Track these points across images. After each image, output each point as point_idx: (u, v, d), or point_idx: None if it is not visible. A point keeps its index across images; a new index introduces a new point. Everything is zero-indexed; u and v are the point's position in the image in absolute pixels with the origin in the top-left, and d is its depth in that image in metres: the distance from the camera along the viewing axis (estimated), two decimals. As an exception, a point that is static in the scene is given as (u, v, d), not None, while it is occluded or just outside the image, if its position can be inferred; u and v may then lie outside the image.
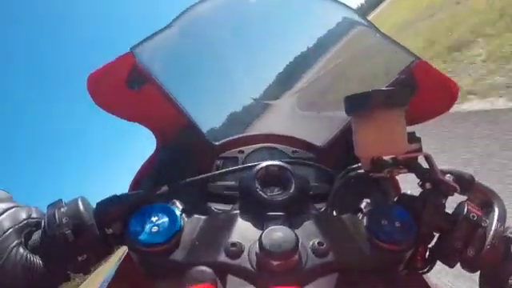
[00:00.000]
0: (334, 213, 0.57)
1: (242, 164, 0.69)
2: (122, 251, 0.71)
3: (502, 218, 0.52)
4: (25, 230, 0.50)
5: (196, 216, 0.53)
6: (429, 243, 0.53)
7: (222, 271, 0.46)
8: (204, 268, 0.45)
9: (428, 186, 0.54)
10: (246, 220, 0.52)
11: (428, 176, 0.54)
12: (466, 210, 0.52)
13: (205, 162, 0.75)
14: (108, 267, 0.79)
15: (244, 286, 0.46)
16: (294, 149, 0.77)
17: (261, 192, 0.54)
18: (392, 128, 0.49)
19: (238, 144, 0.78)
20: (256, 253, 0.46)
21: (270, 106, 0.87)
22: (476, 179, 0.56)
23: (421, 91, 0.68)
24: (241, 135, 0.81)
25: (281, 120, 0.89)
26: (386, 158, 0.51)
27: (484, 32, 6.23)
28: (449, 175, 0.54)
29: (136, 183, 0.74)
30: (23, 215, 0.52)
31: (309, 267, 0.46)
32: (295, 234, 0.46)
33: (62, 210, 0.51)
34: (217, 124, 0.85)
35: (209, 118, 0.84)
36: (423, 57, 0.66)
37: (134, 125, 0.79)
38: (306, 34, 0.92)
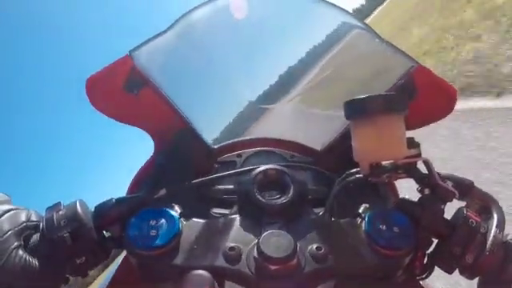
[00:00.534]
0: (333, 217, 0.56)
1: (240, 168, 0.69)
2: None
3: (501, 224, 0.52)
4: (24, 232, 0.50)
5: (194, 220, 0.53)
6: (427, 249, 0.53)
7: (220, 275, 0.46)
8: (202, 272, 0.45)
9: (427, 191, 0.54)
10: (245, 224, 0.52)
11: (427, 181, 0.54)
12: (464, 215, 0.51)
13: (203, 166, 0.75)
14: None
15: None
16: (293, 153, 0.77)
17: (259, 196, 0.54)
18: (391, 133, 0.49)
19: (236, 148, 0.78)
20: (254, 257, 0.46)
21: (268, 110, 0.87)
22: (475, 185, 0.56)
23: (420, 96, 0.68)
24: (239, 139, 0.81)
25: (279, 124, 0.89)
26: (384, 162, 0.51)
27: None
28: (447, 181, 0.54)
29: (134, 186, 0.74)
30: (22, 218, 0.51)
31: (307, 272, 0.46)
32: (293, 239, 0.46)
33: (61, 212, 0.51)
34: (215, 128, 0.85)
35: (207, 121, 0.84)
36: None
37: (133, 128, 0.79)
38: (305, 39, 0.92)
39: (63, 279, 0.51)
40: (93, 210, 0.53)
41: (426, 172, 0.53)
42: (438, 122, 0.73)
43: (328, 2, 0.77)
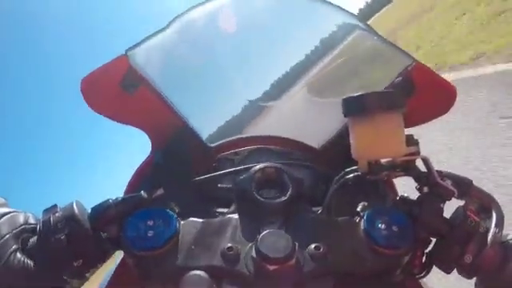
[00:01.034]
0: (331, 216, 0.56)
1: (238, 166, 0.68)
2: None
3: (500, 224, 0.52)
4: (22, 235, 0.50)
5: (192, 219, 0.52)
6: (426, 248, 0.53)
7: (218, 276, 0.46)
8: (200, 272, 0.45)
9: (426, 189, 0.53)
10: (243, 223, 0.51)
11: (426, 179, 0.53)
12: (463, 214, 0.51)
13: (201, 165, 0.74)
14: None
15: None
16: (291, 151, 0.77)
17: (257, 194, 0.54)
18: (390, 131, 0.49)
19: (234, 146, 0.78)
20: (252, 257, 0.45)
21: (266, 108, 0.86)
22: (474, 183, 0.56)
23: (418, 93, 0.68)
24: (237, 137, 0.81)
25: (278, 122, 0.89)
26: (383, 160, 0.50)
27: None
28: (447, 179, 0.54)
29: (131, 187, 0.74)
30: (20, 221, 0.52)
31: (306, 272, 0.46)
32: (292, 239, 0.46)
33: (57, 214, 0.50)
34: (213, 126, 0.85)
35: (204, 120, 0.83)
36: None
37: (129, 127, 0.78)
38: (303, 37, 0.92)
39: (62, 282, 0.51)
40: (90, 211, 0.53)
41: (425, 170, 0.53)
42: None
43: (326, 0, 0.77)
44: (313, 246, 0.48)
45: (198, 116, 0.79)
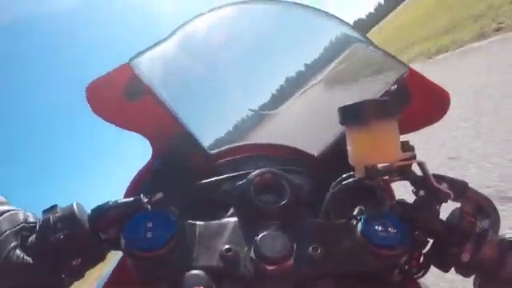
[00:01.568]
0: (329, 219, 0.57)
1: (238, 172, 0.69)
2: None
3: (496, 224, 0.53)
4: (21, 233, 0.51)
5: (191, 222, 0.53)
6: (423, 248, 0.54)
7: (217, 277, 0.46)
8: (199, 273, 0.46)
9: (422, 193, 0.55)
10: (241, 226, 0.52)
11: (422, 183, 0.55)
12: (460, 216, 0.52)
13: (200, 171, 0.75)
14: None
15: None
16: (290, 158, 0.78)
17: (256, 199, 0.54)
18: (385, 138, 0.50)
19: (233, 153, 0.79)
20: (251, 258, 0.46)
21: (266, 117, 0.87)
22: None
23: (413, 101, 0.69)
24: (236, 144, 0.82)
25: (277, 130, 0.90)
26: (379, 166, 0.52)
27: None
28: (442, 182, 0.55)
29: (131, 190, 0.74)
30: (20, 219, 0.52)
31: (304, 272, 0.47)
32: (289, 239, 0.47)
33: (57, 215, 0.51)
34: (213, 134, 0.86)
35: (205, 127, 0.84)
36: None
37: (131, 133, 0.80)
38: (302, 48, 0.94)
39: (60, 280, 0.51)
40: (89, 212, 0.54)
41: (421, 174, 0.54)
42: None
43: (320, 10, 0.79)
44: (311, 247, 0.49)
45: (200, 124, 0.80)
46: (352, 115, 0.50)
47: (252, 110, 0.86)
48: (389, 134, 0.50)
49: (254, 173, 0.57)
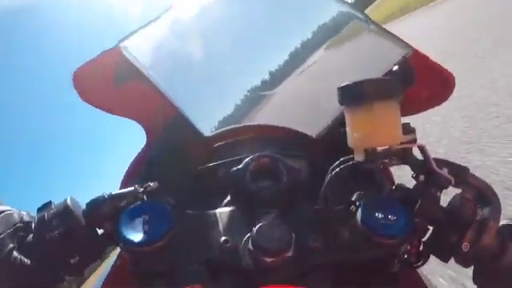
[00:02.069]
0: (327, 206, 0.56)
1: (234, 156, 0.68)
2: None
3: (497, 212, 0.51)
4: (17, 233, 0.50)
5: (188, 212, 0.52)
6: (423, 237, 0.53)
7: (215, 269, 0.46)
8: (197, 266, 0.45)
9: (422, 177, 0.53)
10: (239, 215, 0.51)
11: (422, 168, 0.53)
12: (460, 203, 0.51)
13: (196, 155, 0.74)
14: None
15: (238, 283, 0.45)
16: (287, 140, 0.77)
17: (252, 185, 0.53)
18: (387, 119, 0.48)
19: (229, 135, 0.77)
20: (249, 249, 0.45)
21: (262, 98, 0.85)
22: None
23: (417, 81, 0.67)
24: (233, 126, 0.80)
25: (274, 111, 0.88)
26: (379, 149, 0.50)
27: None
28: (443, 167, 0.53)
29: (127, 180, 0.73)
30: (15, 219, 0.52)
31: (303, 263, 0.46)
32: (288, 230, 0.45)
33: (52, 212, 0.50)
34: (208, 116, 0.84)
35: (200, 110, 0.83)
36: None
37: (123, 119, 0.78)
38: (300, 27, 0.91)
39: (59, 279, 0.51)
40: (84, 206, 0.53)
41: (422, 158, 0.53)
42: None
43: None
44: (310, 237, 0.48)
45: (193, 106, 0.79)
46: (352, 95, 0.48)
47: (248, 91, 0.84)
48: (390, 115, 0.48)
49: (250, 157, 0.56)
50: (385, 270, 0.51)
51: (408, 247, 0.51)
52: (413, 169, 0.54)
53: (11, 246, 0.48)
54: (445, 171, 0.52)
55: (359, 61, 0.84)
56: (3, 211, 0.52)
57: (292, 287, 0.45)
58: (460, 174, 0.53)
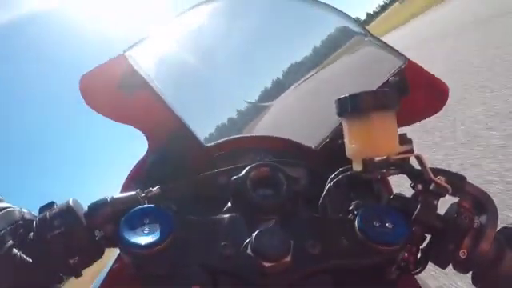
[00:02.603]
0: (326, 214, 0.57)
1: (234, 165, 0.69)
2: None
3: (494, 219, 0.52)
4: (18, 231, 0.50)
5: (188, 217, 0.52)
6: (421, 244, 0.53)
7: (214, 273, 0.46)
8: (196, 270, 0.45)
9: (420, 187, 0.54)
10: (238, 222, 0.52)
11: (420, 177, 0.54)
12: (457, 211, 0.51)
13: (196, 164, 0.75)
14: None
15: None
16: (287, 150, 0.77)
17: (253, 193, 0.54)
18: (383, 130, 0.49)
19: (230, 146, 0.78)
20: (248, 255, 0.46)
21: (262, 109, 0.86)
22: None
23: (412, 92, 0.68)
24: (233, 137, 0.81)
25: (274, 122, 0.89)
26: (377, 159, 0.51)
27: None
28: (440, 176, 0.54)
29: (128, 185, 0.74)
30: (16, 217, 0.52)
31: (301, 269, 0.46)
32: (287, 236, 0.46)
33: (54, 212, 0.51)
34: (209, 126, 0.85)
35: (201, 120, 0.84)
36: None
37: (126, 126, 0.78)
38: (299, 39, 0.92)
39: (57, 278, 0.51)
40: (86, 208, 0.53)
41: (419, 168, 0.53)
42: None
43: (318, 0, 0.77)
44: (308, 243, 0.48)
45: (195, 116, 0.80)
46: (349, 106, 0.49)
47: (249, 102, 0.85)
48: (387, 126, 0.49)
49: (250, 166, 0.57)
50: (383, 276, 0.51)
51: (406, 254, 0.52)
52: (410, 178, 0.55)
53: (11, 242, 0.48)
54: (442, 180, 0.53)
55: (356, 72, 0.85)
56: (4, 208, 0.52)
57: None
58: (457, 183, 0.54)
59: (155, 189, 0.57)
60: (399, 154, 0.51)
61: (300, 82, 0.85)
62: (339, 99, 0.50)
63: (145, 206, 0.52)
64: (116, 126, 0.78)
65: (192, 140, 0.76)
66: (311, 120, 0.89)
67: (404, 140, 0.51)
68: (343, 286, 0.48)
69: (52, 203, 0.53)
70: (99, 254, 0.53)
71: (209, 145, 0.78)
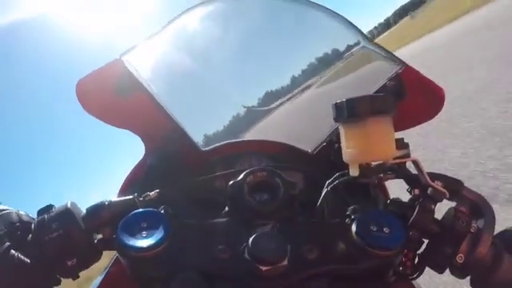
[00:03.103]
0: (323, 219, 0.56)
1: (231, 169, 0.69)
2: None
3: (491, 224, 0.52)
4: (15, 233, 0.51)
5: (185, 221, 0.53)
6: (418, 249, 0.53)
7: (211, 277, 0.46)
8: (193, 274, 0.45)
9: (417, 191, 0.54)
10: (235, 226, 0.52)
11: (417, 182, 0.54)
12: (454, 215, 0.52)
13: (193, 168, 0.75)
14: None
15: None
16: (284, 155, 0.77)
17: (250, 198, 0.54)
18: (380, 134, 0.49)
19: (227, 150, 0.78)
20: (245, 259, 0.46)
21: (259, 114, 0.86)
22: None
23: (409, 97, 0.69)
24: (230, 141, 0.81)
25: (271, 127, 0.89)
26: (374, 164, 0.51)
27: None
28: (437, 181, 0.54)
29: (125, 189, 0.74)
30: (14, 219, 0.52)
31: (298, 273, 0.46)
32: (284, 240, 0.46)
33: (52, 214, 0.51)
34: (206, 131, 0.85)
35: (198, 124, 0.83)
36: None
37: (123, 131, 0.78)
38: (297, 44, 0.92)
39: (54, 280, 0.51)
40: (84, 211, 0.54)
41: (416, 172, 0.53)
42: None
43: (315, 3, 0.78)
44: (305, 247, 0.48)
45: (192, 120, 0.79)
46: (346, 111, 0.49)
47: (245, 107, 0.85)
48: (384, 130, 0.49)
49: (247, 171, 0.57)
50: (380, 281, 0.51)
51: (403, 259, 0.52)
52: (407, 183, 0.55)
53: (8, 244, 0.49)
54: (439, 185, 0.53)
55: (353, 77, 0.85)
56: (1, 210, 0.52)
57: None
58: (454, 187, 0.54)
59: (153, 193, 0.58)
60: (396, 158, 0.51)
61: (297, 86, 0.85)
62: (336, 104, 0.50)
63: (143, 209, 0.52)
64: (113, 131, 0.78)
65: (189, 144, 0.76)
66: (308, 124, 0.89)
67: (401, 144, 0.51)
68: None
69: (50, 206, 0.53)
70: (97, 257, 0.54)
71: (205, 149, 0.78)
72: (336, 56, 0.84)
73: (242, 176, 0.56)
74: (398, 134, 0.52)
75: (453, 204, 0.55)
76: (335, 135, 0.69)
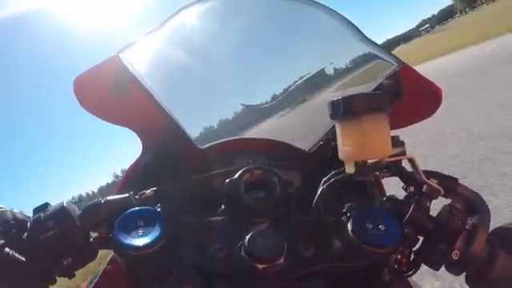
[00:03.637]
0: (319, 217, 0.57)
1: (228, 168, 0.69)
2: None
3: (486, 221, 0.53)
4: (10, 231, 0.50)
5: (182, 220, 0.53)
6: (413, 246, 0.54)
7: (207, 275, 0.46)
8: (189, 272, 0.45)
9: (412, 189, 0.54)
10: (232, 224, 0.52)
11: (412, 179, 0.54)
12: (450, 212, 0.52)
13: (190, 166, 0.75)
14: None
15: None
16: (280, 153, 0.77)
17: (246, 196, 0.54)
18: (376, 132, 0.49)
19: (224, 148, 0.78)
20: (241, 257, 0.46)
21: (256, 112, 0.86)
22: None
23: (406, 96, 0.69)
24: (227, 139, 0.81)
25: (268, 125, 0.89)
26: (370, 161, 0.51)
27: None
28: (432, 178, 0.55)
29: (122, 186, 0.74)
30: (8, 217, 0.52)
31: (294, 271, 0.47)
32: (280, 238, 0.46)
33: (48, 213, 0.51)
34: (203, 128, 0.85)
35: (195, 122, 0.83)
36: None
37: (121, 128, 0.78)
38: (293, 42, 0.92)
39: (50, 279, 0.51)
40: (80, 210, 0.53)
41: (411, 170, 0.54)
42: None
43: (313, 1, 0.77)
44: (301, 245, 0.48)
45: (189, 118, 0.80)
46: (342, 109, 0.49)
47: (243, 105, 0.85)
48: (379, 128, 0.49)
49: (243, 169, 0.57)
50: (376, 278, 0.52)
51: (399, 256, 0.52)
52: (403, 180, 0.55)
53: (3, 242, 0.48)
54: (434, 182, 0.54)
55: (350, 75, 0.85)
56: None
57: None
58: (449, 185, 0.55)
59: (149, 191, 0.58)
60: (392, 156, 0.51)
61: (294, 84, 0.85)
62: (332, 102, 0.50)
63: (139, 207, 0.52)
64: (111, 127, 0.78)
65: (186, 142, 0.76)
66: (305, 123, 0.89)
67: (397, 142, 0.52)
68: None
69: (46, 204, 0.53)
70: (93, 256, 0.53)
71: (203, 147, 0.78)
72: (334, 54, 0.84)
73: (238, 174, 0.56)
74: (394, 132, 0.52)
75: (448, 201, 0.56)
76: (332, 133, 0.69)
